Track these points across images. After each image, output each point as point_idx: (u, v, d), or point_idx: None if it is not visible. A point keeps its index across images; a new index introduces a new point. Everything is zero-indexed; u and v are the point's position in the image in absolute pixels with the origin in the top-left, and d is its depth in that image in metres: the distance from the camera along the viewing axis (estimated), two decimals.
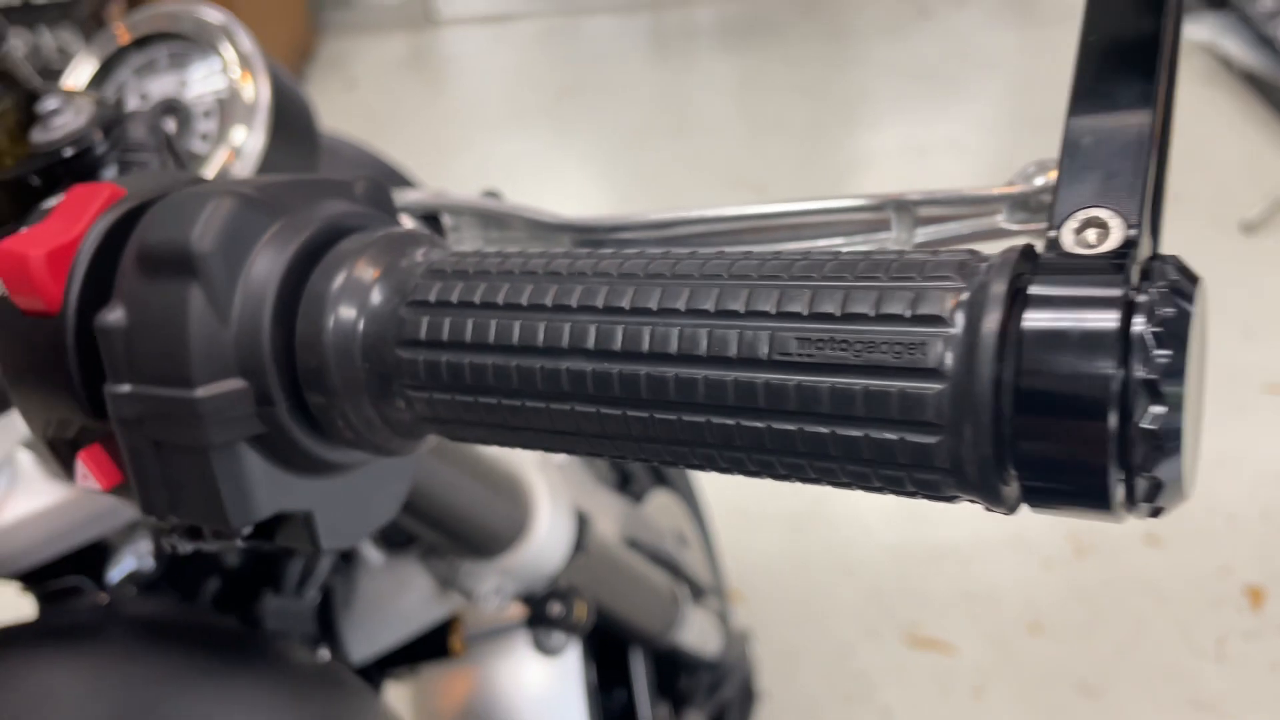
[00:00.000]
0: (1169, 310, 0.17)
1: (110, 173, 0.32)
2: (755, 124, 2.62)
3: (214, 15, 0.51)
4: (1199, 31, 2.41)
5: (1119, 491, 0.18)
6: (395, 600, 0.67)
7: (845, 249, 0.23)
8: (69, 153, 0.32)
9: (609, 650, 0.93)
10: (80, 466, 0.25)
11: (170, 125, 0.49)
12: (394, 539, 0.67)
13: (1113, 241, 0.18)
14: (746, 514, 1.71)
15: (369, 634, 0.67)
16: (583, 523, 0.68)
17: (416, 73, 3.03)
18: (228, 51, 0.50)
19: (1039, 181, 0.27)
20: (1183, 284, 0.17)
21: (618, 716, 0.94)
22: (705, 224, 0.30)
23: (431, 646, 0.72)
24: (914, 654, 1.45)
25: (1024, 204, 0.27)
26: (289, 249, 0.23)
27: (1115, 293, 0.17)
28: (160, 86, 0.51)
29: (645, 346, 0.20)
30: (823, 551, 1.64)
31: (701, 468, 0.22)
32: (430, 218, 0.35)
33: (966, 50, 2.82)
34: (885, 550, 1.61)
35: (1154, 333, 0.17)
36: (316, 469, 0.25)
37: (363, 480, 0.27)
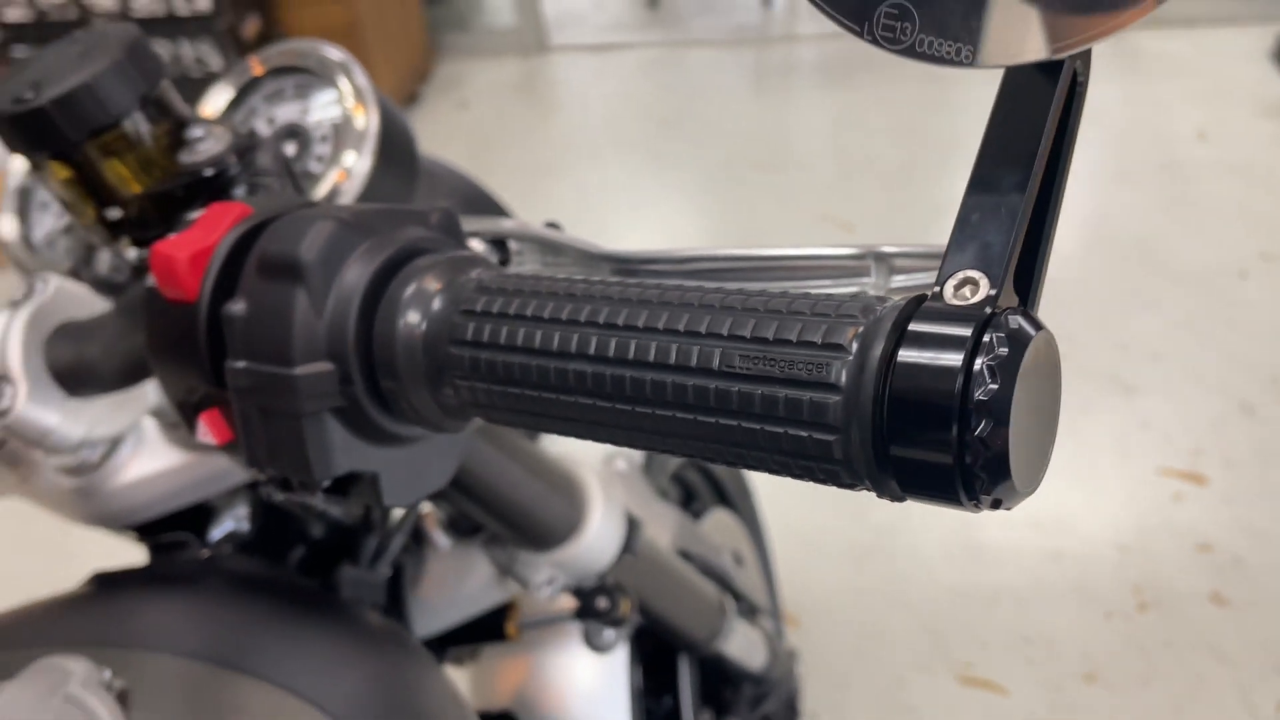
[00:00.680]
0: (1004, 351, 0.22)
1: (240, 191, 0.40)
2: (848, 163, 2.66)
3: (335, 53, 0.58)
4: None
5: (962, 486, 0.23)
6: (459, 583, 0.73)
7: (788, 287, 0.28)
8: (209, 173, 0.40)
9: (658, 656, 0.98)
10: (201, 425, 0.32)
11: (291, 148, 0.57)
12: (461, 527, 0.73)
13: (979, 297, 0.24)
14: (811, 543, 1.74)
15: (433, 611, 0.73)
16: (633, 527, 0.74)
17: (525, 96, 3.15)
18: (344, 85, 0.57)
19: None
20: (1020, 333, 0.22)
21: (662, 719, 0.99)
22: (719, 261, 0.36)
23: (489, 629, 0.78)
24: (965, 692, 1.47)
25: None
26: (374, 263, 0.30)
27: (965, 333, 0.22)
28: (285, 112, 0.59)
29: (630, 355, 0.25)
30: (882, 584, 1.66)
31: (670, 452, 0.27)
32: (499, 243, 0.41)
33: None
34: (944, 588, 1.63)
35: (989, 367, 0.22)
36: (384, 439, 0.31)
37: (421, 451, 0.33)
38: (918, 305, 0.23)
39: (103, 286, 0.52)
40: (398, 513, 0.70)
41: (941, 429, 0.22)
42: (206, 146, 0.39)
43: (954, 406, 0.22)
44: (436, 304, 0.29)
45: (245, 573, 0.56)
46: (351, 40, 2.68)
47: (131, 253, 0.45)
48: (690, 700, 0.99)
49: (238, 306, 0.29)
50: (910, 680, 1.50)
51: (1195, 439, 1.78)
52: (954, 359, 0.22)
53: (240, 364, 0.29)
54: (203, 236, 0.30)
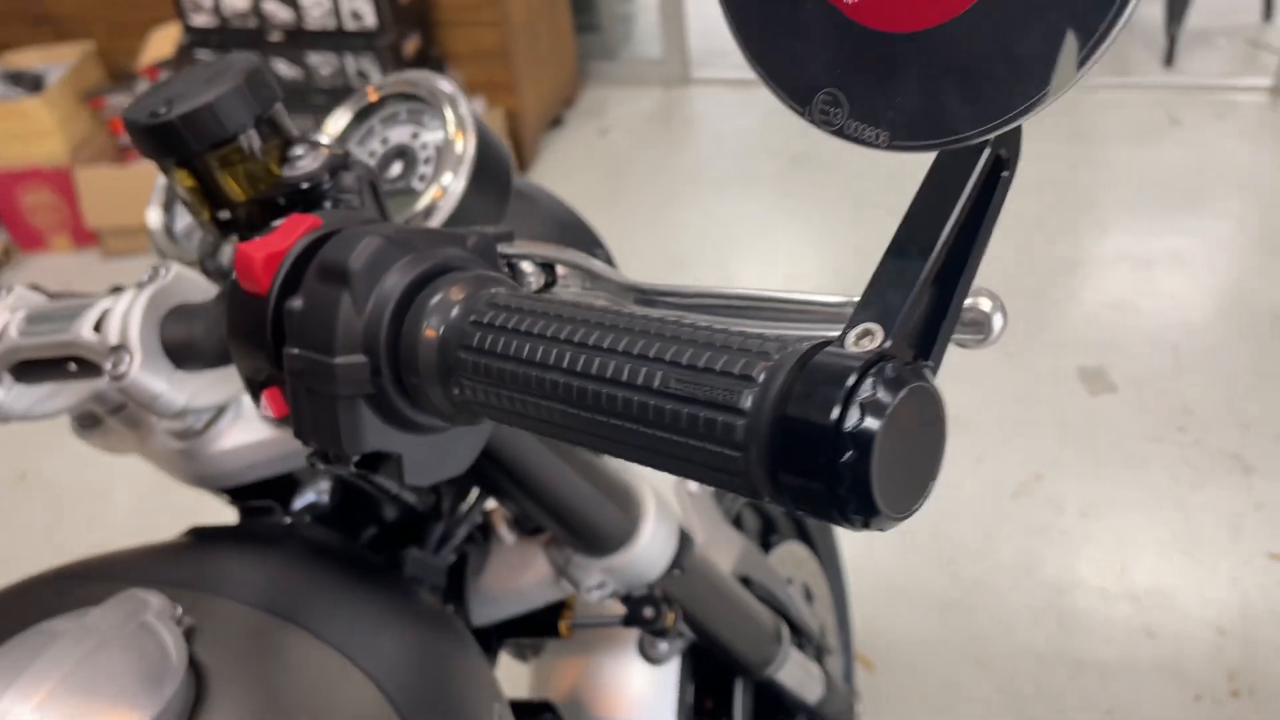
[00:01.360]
0: (878, 394, 0.25)
1: (329, 204, 0.46)
2: None
3: (445, 85, 0.65)
4: None
5: (834, 506, 0.26)
6: (518, 577, 0.78)
7: (728, 324, 0.32)
8: (304, 186, 0.46)
9: (716, 679, 1.01)
10: (263, 400, 0.38)
11: (399, 167, 0.64)
12: (525, 526, 0.79)
13: (871, 347, 0.27)
14: (896, 588, 1.74)
15: (491, 601, 0.78)
16: (684, 543, 0.77)
17: (664, 126, 3.23)
18: (449, 113, 0.63)
19: (967, 301, 0.35)
20: (895, 380, 0.26)
21: None
22: (724, 299, 0.40)
23: (543, 625, 0.83)
24: None
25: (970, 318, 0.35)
26: (409, 275, 0.35)
27: (849, 375, 0.26)
28: (397, 134, 0.65)
29: (593, 370, 0.30)
30: (963, 639, 1.64)
31: (621, 457, 0.31)
32: (548, 266, 0.46)
33: (1212, 163, 2.71)
34: (1027, 651, 1.60)
35: (861, 405, 0.25)
36: (407, 426, 0.36)
37: (441, 440, 0.38)
38: (819, 349, 0.27)
39: (220, 277, 0.59)
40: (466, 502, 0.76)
41: (815, 454, 0.25)
42: (305, 164, 0.46)
43: (827, 436, 0.25)
44: (454, 313, 0.34)
45: (319, 541, 0.62)
46: (502, 63, 2.81)
47: None
48: (745, 717, 1.02)
49: (297, 302, 0.35)
50: None
51: None
52: (833, 395, 0.25)
53: (294, 350, 0.35)
54: (278, 241, 0.36)
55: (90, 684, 0.41)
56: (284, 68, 2.63)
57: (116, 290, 0.51)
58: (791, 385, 0.26)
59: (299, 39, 2.59)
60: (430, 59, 2.75)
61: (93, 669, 0.42)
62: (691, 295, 0.41)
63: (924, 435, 0.28)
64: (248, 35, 2.61)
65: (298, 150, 0.46)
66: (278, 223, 0.38)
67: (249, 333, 0.37)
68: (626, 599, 0.78)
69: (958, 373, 2.10)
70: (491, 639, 0.83)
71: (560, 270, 0.48)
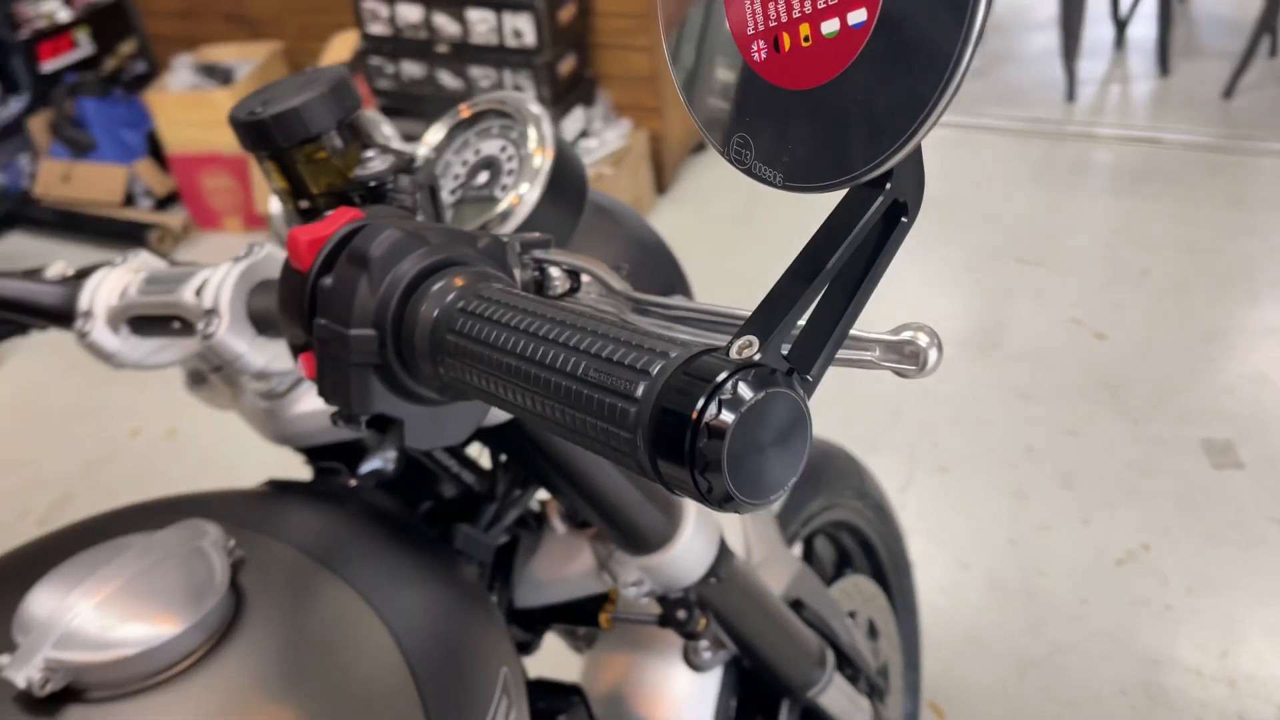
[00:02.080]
0: (739, 393, 0.29)
1: (387, 200, 0.52)
2: (1117, 271, 2.55)
3: (533, 106, 0.71)
4: None
5: (696, 487, 0.30)
6: (564, 566, 0.83)
7: (644, 323, 0.36)
8: (371, 184, 0.52)
9: (766, 702, 1.03)
10: (300, 363, 0.45)
11: (485, 176, 0.70)
12: (575, 520, 0.84)
13: (748, 354, 0.31)
14: (979, 639, 1.71)
15: (537, 585, 0.84)
16: (723, 554, 0.81)
17: None
18: (533, 131, 0.69)
19: (905, 335, 0.39)
20: (755, 382, 0.29)
21: None
22: (703, 314, 0.44)
23: (585, 615, 0.88)
24: None
25: (892, 348, 0.39)
26: (419, 265, 0.40)
27: (720, 375, 0.29)
28: (488, 146, 0.72)
29: (535, 356, 0.34)
30: (1042, 700, 1.60)
31: (554, 434, 0.35)
32: (574, 273, 0.52)
33: None
34: None
35: (722, 401, 0.29)
36: (409, 396, 0.42)
37: (440, 413, 0.43)
38: (706, 353, 0.31)
39: None
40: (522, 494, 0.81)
41: (681, 441, 0.30)
42: (374, 165, 0.52)
43: (690, 425, 0.29)
44: (448, 300, 0.39)
45: (376, 505, 0.69)
46: (651, 87, 2.89)
47: None
48: None
49: (327, 280, 0.41)
50: None
51: None
52: (700, 390, 0.29)
53: (322, 321, 0.41)
54: (323, 229, 0.43)
55: (143, 591, 0.49)
56: (447, 78, 2.78)
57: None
58: (673, 380, 0.30)
59: (464, 52, 2.73)
60: (584, 79, 2.86)
61: (148, 579, 0.49)
62: (676, 309, 0.45)
63: (785, 436, 0.31)
64: (417, 45, 2.78)
65: (369, 153, 0.53)
66: (329, 213, 0.45)
67: (292, 304, 0.43)
68: (663, 600, 0.82)
69: (1073, 429, 2.05)
70: (536, 622, 0.88)
71: (585, 278, 0.53)
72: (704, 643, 0.93)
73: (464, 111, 0.71)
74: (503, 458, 0.78)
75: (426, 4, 2.70)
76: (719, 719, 0.96)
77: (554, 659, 0.96)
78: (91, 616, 0.47)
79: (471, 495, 0.78)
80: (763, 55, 0.30)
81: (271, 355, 0.59)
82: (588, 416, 0.32)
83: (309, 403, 0.67)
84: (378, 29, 2.78)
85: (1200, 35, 3.81)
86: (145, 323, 0.62)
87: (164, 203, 3.30)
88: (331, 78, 0.52)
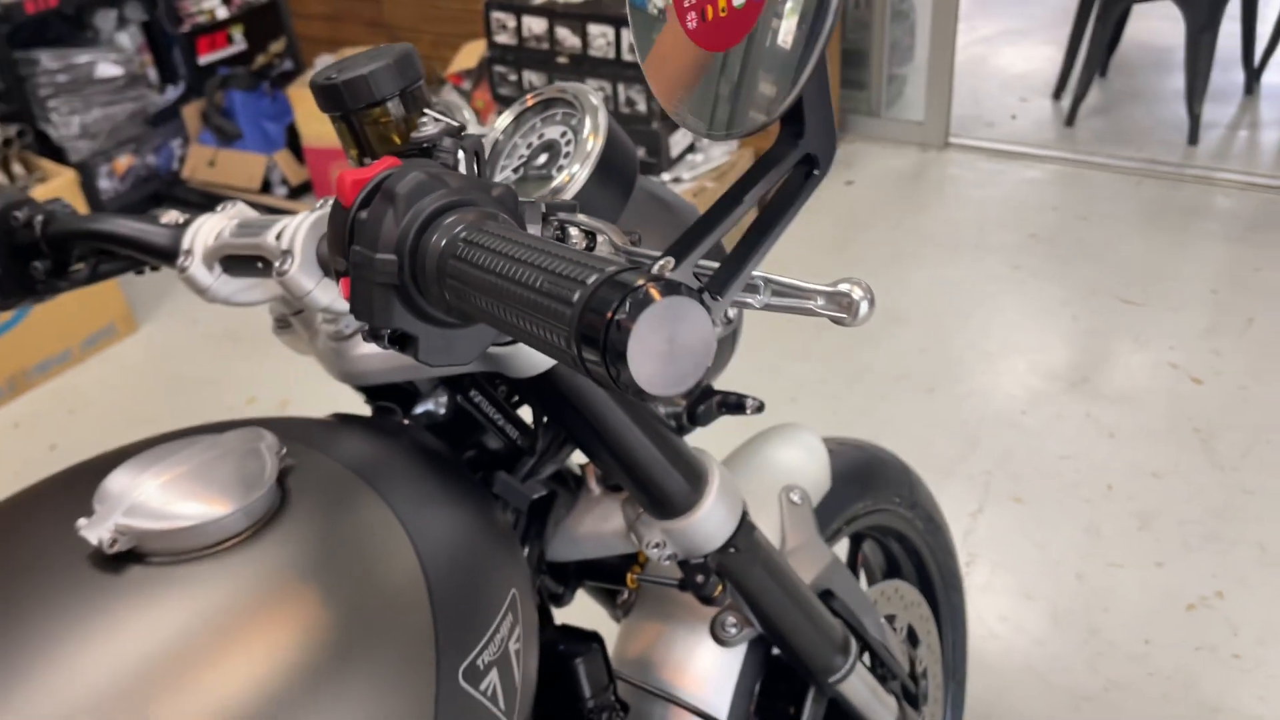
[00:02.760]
0: (644, 299, 0.35)
1: (433, 159, 0.60)
2: (1220, 318, 2.49)
3: (594, 98, 0.78)
4: None
5: (610, 377, 0.36)
6: (596, 525, 0.90)
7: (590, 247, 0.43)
8: (424, 145, 0.60)
9: (795, 692, 1.07)
10: (340, 286, 0.53)
11: (544, 157, 0.78)
12: (609, 484, 0.90)
13: (666, 272, 0.37)
14: (1035, 670, 1.71)
15: (570, 541, 0.90)
16: (743, 527, 0.86)
17: (911, 185, 3.26)
18: (589, 120, 0.76)
19: (842, 287, 0.44)
20: (665, 289, 0.35)
21: None
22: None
23: (614, 574, 0.94)
24: None
25: (831, 299, 0.45)
26: (437, 203, 0.48)
27: (631, 284, 0.35)
28: (550, 131, 0.79)
29: (507, 274, 0.41)
30: None
31: (526, 342, 0.42)
32: (590, 234, 0.58)
33: None
34: None
35: (632, 304, 0.35)
36: (424, 317, 0.49)
37: (452, 335, 0.51)
38: (631, 269, 0.37)
39: None
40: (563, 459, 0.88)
41: (597, 336, 0.36)
42: (426, 130, 0.60)
43: (604, 323, 0.36)
44: (455, 232, 0.46)
45: (424, 443, 0.77)
46: None
47: None
48: None
49: (363, 214, 0.49)
50: None
51: None
52: (615, 294, 0.36)
53: (356, 247, 0.49)
54: (365, 173, 0.51)
55: (201, 477, 0.58)
56: None
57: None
58: (600, 289, 0.37)
59: (581, 64, 2.85)
60: None
61: (207, 468, 0.58)
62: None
63: (687, 339, 0.37)
64: (539, 55, 2.90)
65: (424, 120, 0.61)
66: (378, 163, 0.53)
67: (335, 235, 0.51)
68: (684, 564, 0.87)
69: (1158, 471, 2.02)
70: (569, 576, 0.95)
71: (600, 238, 0.60)
72: (730, 619, 0.98)
73: (530, 100, 0.79)
74: (545, 419, 0.85)
75: (551, 17, 2.82)
76: (740, 696, 1.01)
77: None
78: (156, 493, 0.56)
79: (513, 449, 0.85)
80: (694, 24, 0.36)
81: (335, 295, 0.67)
82: (539, 320, 0.39)
83: (369, 346, 0.75)
84: (504, 39, 2.92)
85: None
86: (235, 262, 0.72)
87: (296, 191, 3.51)
88: (398, 52, 0.61)
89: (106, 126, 3.26)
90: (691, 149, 2.93)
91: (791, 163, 0.37)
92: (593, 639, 0.88)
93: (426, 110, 0.63)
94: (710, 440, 0.90)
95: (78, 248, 0.81)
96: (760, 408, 0.92)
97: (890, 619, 1.28)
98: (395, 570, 0.61)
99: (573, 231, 0.59)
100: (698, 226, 0.39)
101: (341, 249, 0.51)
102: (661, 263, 0.37)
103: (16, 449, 2.47)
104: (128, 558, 0.56)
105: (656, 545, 0.85)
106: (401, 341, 0.51)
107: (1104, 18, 3.36)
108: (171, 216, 0.78)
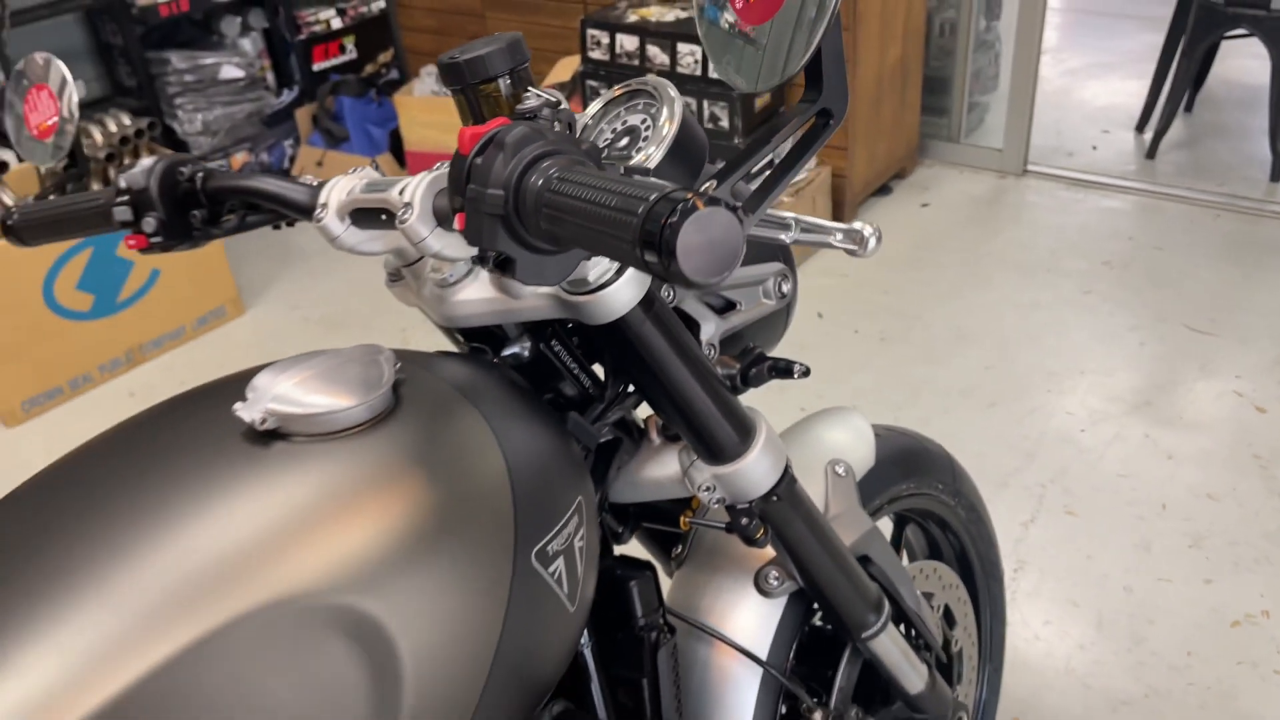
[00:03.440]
0: (690, 209, 0.46)
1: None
2: None
3: (672, 90, 0.90)
4: None
5: (665, 272, 0.47)
6: (655, 470, 1.00)
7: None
8: (526, 115, 0.73)
9: (829, 664, 1.16)
10: (456, 219, 0.65)
11: (626, 140, 0.90)
12: (668, 434, 1.01)
13: (711, 190, 0.48)
14: (1075, 673, 1.76)
15: (630, 484, 1.01)
16: (785, 478, 0.96)
17: (987, 209, 3.31)
18: (666, 109, 0.88)
19: (856, 225, 0.55)
20: (709, 202, 0.47)
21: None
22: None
23: (668, 517, 1.05)
24: None
25: (848, 235, 0.56)
26: (537, 151, 0.60)
27: (680, 199, 0.47)
28: (632, 118, 0.92)
29: (589, 199, 0.53)
30: None
31: (601, 253, 0.53)
32: None
33: None
34: None
35: (681, 211, 0.46)
36: (524, 244, 0.61)
37: (544, 260, 0.63)
38: (681, 188, 0.49)
39: None
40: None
41: (653, 236, 0.47)
42: (529, 103, 0.73)
43: (659, 228, 0.47)
44: (549, 173, 0.59)
45: (513, 383, 0.89)
46: (840, 128, 3.05)
47: None
48: (843, 684, 1.17)
49: (479, 160, 0.61)
50: None
51: None
52: (668, 207, 0.47)
53: (471, 186, 0.61)
54: (482, 129, 0.63)
55: (331, 377, 0.71)
56: None
57: None
58: (658, 204, 0.49)
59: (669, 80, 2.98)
60: (777, 111, 3.05)
61: (336, 371, 0.71)
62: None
63: (722, 241, 0.48)
64: (630, 71, 3.05)
65: (528, 94, 0.74)
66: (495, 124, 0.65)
67: (455, 178, 0.64)
68: (731, 508, 0.98)
69: (1214, 494, 2.05)
70: (629, 517, 1.06)
71: None
72: (773, 572, 1.08)
73: (617, 90, 0.91)
74: (614, 370, 0.97)
75: (643, 35, 2.97)
76: (779, 644, 1.10)
77: None
78: (297, 387, 0.70)
79: (584, 395, 0.97)
80: (740, 5, 0.48)
81: (445, 244, 0.80)
82: (612, 231, 0.51)
83: (468, 293, 0.88)
84: (597, 54, 3.08)
85: None
86: (362, 215, 0.85)
87: None
88: (509, 39, 0.74)
89: (226, 124, 3.50)
90: (772, 164, 3.04)
91: (811, 113, 0.48)
92: (646, 567, 0.99)
93: (530, 88, 0.75)
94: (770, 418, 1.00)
95: (229, 201, 0.95)
96: (806, 372, 1.02)
97: (928, 597, 1.36)
98: (485, 466, 0.73)
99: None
100: (735, 160, 0.50)
101: (460, 189, 0.63)
102: (706, 185, 0.49)
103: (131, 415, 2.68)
104: (272, 436, 0.69)
105: (707, 489, 0.95)
106: (504, 264, 0.63)
107: (1190, 53, 3.38)
108: (308, 178, 0.92)
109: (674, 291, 0.91)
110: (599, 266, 0.77)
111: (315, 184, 0.90)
